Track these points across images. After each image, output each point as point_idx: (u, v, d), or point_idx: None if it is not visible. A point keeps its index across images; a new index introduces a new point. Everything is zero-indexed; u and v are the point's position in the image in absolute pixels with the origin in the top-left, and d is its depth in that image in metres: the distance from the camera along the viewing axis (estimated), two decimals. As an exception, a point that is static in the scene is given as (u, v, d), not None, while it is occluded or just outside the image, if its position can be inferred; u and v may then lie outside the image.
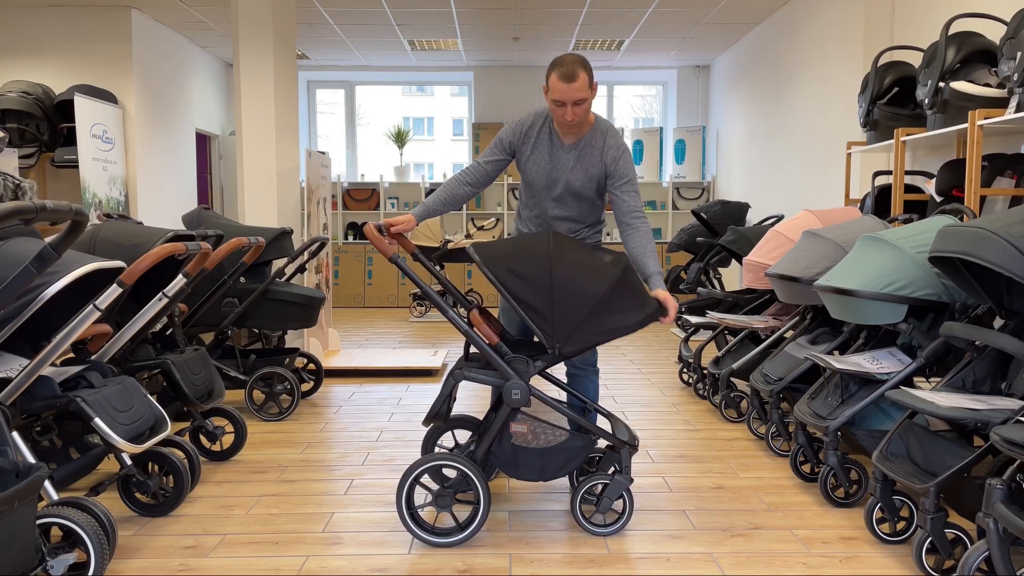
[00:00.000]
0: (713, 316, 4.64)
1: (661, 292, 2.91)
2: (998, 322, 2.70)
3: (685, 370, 5.47)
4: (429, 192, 10.48)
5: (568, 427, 2.89)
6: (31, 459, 2.52)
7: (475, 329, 2.83)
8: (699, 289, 5.45)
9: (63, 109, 6.94)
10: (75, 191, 7.09)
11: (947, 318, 2.93)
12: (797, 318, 4.07)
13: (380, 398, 5.07)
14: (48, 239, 2.27)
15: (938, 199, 4.16)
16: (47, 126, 6.95)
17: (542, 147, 3.15)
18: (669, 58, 9.92)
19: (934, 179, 4.26)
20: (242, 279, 4.72)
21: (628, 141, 10.70)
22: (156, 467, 3.07)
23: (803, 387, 3.70)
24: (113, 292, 2.79)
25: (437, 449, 3.37)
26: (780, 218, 6.93)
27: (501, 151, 3.20)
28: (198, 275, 3.49)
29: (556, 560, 2.69)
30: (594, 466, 3.24)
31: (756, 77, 8.43)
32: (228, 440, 3.83)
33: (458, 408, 4.80)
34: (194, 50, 9.08)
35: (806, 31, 7.00)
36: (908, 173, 4.60)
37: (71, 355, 3.09)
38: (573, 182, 3.15)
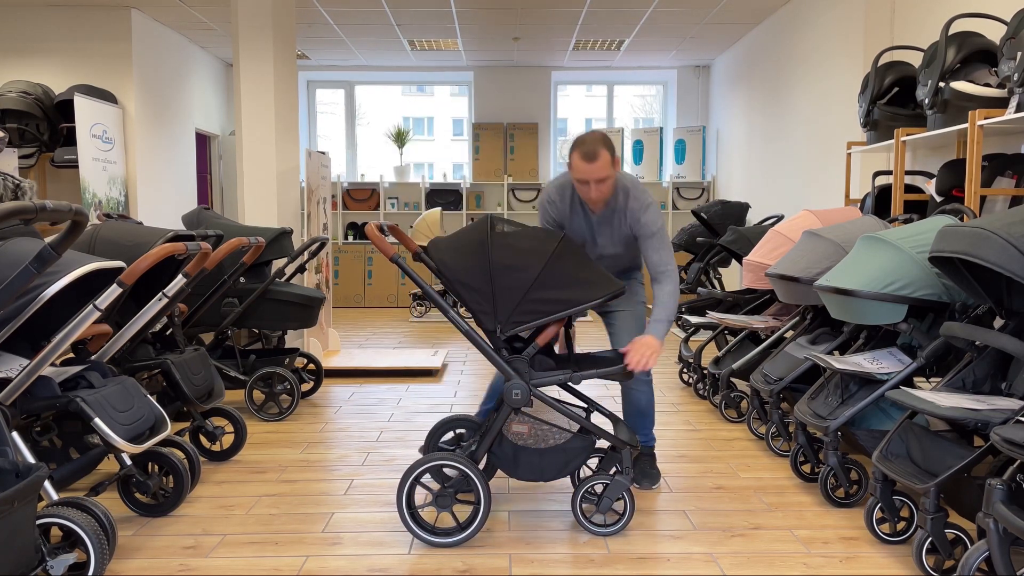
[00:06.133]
0: (713, 316, 4.64)
1: (645, 336, 2.93)
2: (998, 322, 2.70)
3: (685, 370, 5.47)
4: (429, 193, 10.49)
5: (568, 427, 2.90)
6: (31, 459, 2.52)
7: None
8: (699, 289, 5.45)
9: (63, 109, 6.94)
10: (75, 191, 7.09)
11: (947, 318, 2.93)
12: (797, 318, 4.07)
13: (380, 398, 5.07)
14: (48, 239, 2.27)
15: (938, 199, 4.16)
16: (47, 126, 6.95)
17: (578, 218, 3.24)
18: (669, 58, 9.92)
19: (934, 179, 4.26)
20: (242, 279, 4.72)
21: (628, 141, 10.70)
22: (156, 467, 3.07)
23: (803, 387, 3.70)
24: (113, 292, 2.79)
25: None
26: (780, 218, 6.93)
27: (555, 225, 3.29)
28: (198, 275, 3.49)
29: (556, 560, 2.69)
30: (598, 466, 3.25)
31: (756, 77, 8.43)
32: (228, 440, 3.83)
33: (458, 408, 4.80)
34: (194, 50, 9.08)
35: (806, 31, 7.00)
36: (908, 173, 4.60)
37: (71, 355, 3.09)
38: (608, 246, 3.26)
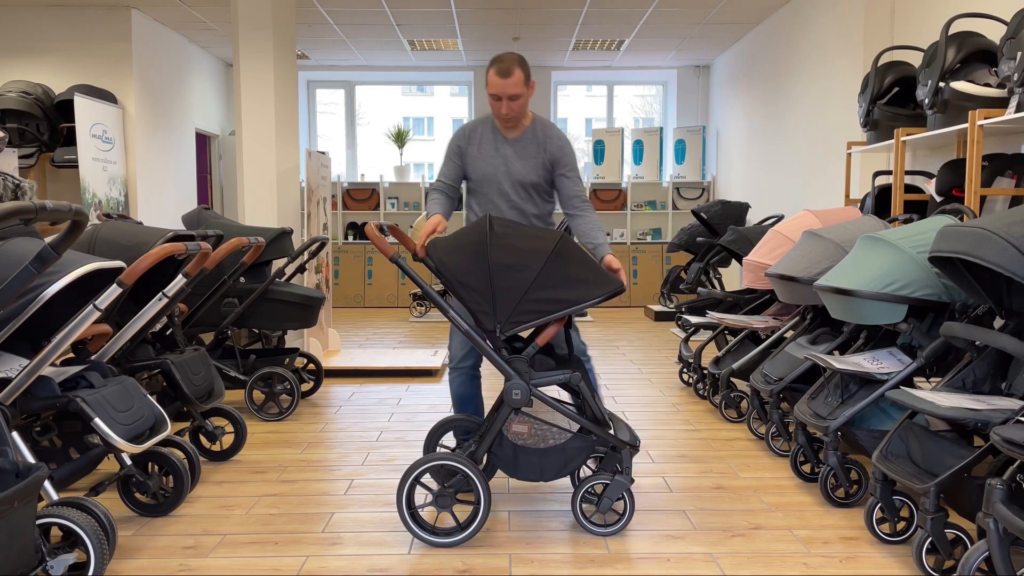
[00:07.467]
0: (713, 316, 4.64)
1: (608, 258, 3.13)
2: (998, 322, 2.70)
3: (685, 370, 5.47)
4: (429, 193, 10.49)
5: (568, 427, 2.90)
6: (31, 459, 2.52)
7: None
8: (699, 289, 5.45)
9: (63, 109, 6.94)
10: (75, 191, 7.09)
11: (947, 318, 2.93)
12: (797, 318, 4.07)
13: (380, 398, 5.07)
14: (48, 239, 2.27)
15: (938, 199, 4.17)
16: (47, 126, 6.95)
17: (487, 143, 3.38)
18: (669, 58, 9.92)
19: (934, 179, 4.26)
20: (242, 279, 4.72)
21: (628, 141, 10.70)
22: (156, 467, 3.07)
23: (803, 387, 3.70)
24: (113, 292, 2.79)
25: (438, 449, 3.37)
26: (780, 218, 6.93)
27: (456, 156, 3.42)
28: (198, 275, 3.49)
29: (556, 560, 2.69)
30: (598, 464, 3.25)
31: (756, 77, 8.43)
32: (228, 440, 3.83)
33: (458, 408, 4.80)
34: (194, 50, 9.08)
35: (806, 31, 7.00)
36: (908, 173, 4.60)
37: (71, 355, 3.09)
38: (518, 171, 3.35)
